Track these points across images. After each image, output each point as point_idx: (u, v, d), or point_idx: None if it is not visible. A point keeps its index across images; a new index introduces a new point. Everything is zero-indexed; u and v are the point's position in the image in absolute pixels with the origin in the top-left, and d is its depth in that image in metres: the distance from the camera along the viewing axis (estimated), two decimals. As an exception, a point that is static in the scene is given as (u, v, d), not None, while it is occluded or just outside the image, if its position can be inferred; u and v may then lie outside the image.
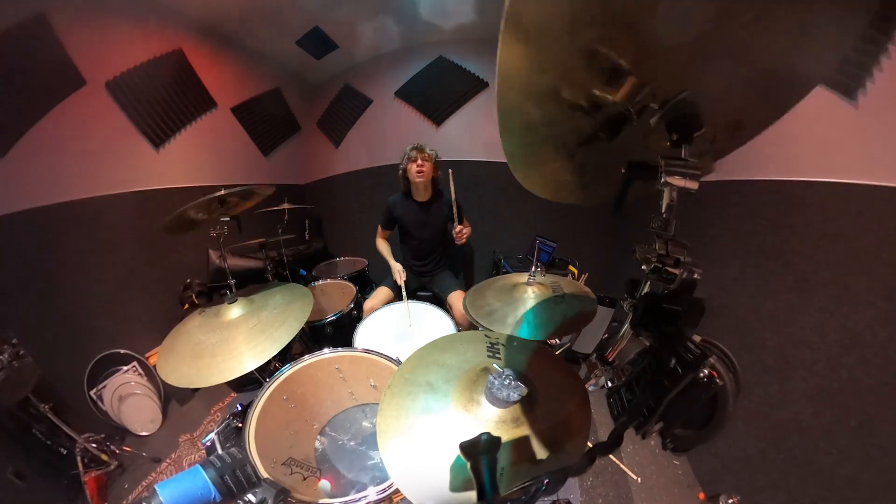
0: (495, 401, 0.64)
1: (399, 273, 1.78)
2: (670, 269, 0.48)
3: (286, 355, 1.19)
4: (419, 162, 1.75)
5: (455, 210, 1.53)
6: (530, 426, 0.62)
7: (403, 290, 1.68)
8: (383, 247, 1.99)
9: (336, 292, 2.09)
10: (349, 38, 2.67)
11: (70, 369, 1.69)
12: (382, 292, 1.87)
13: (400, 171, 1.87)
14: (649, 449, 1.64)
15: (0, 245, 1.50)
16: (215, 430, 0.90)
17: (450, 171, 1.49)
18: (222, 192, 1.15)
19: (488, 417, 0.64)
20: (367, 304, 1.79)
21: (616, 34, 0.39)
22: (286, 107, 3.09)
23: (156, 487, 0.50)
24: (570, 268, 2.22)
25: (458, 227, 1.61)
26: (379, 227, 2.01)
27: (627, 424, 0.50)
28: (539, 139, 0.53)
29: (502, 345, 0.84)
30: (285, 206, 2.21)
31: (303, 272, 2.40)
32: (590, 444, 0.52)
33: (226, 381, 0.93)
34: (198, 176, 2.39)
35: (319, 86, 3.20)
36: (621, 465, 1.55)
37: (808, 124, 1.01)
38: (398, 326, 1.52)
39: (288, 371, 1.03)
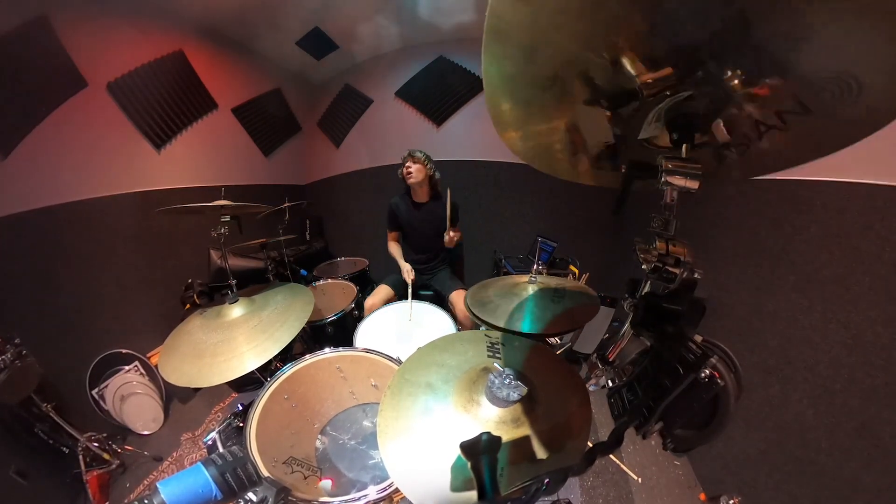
0: (495, 400, 0.64)
1: (408, 272, 1.82)
2: (671, 269, 0.48)
3: (287, 355, 1.19)
4: (407, 164, 1.86)
5: (448, 217, 1.71)
6: (531, 426, 0.62)
7: (410, 288, 1.70)
8: (395, 249, 2.03)
9: (337, 292, 2.10)
10: (349, 39, 2.68)
11: (72, 369, 1.70)
12: (383, 290, 1.88)
13: (399, 173, 1.91)
14: (650, 449, 1.64)
15: (3, 245, 1.51)
16: (216, 429, 0.91)
17: (448, 189, 1.68)
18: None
19: (488, 417, 0.64)
20: (368, 302, 1.80)
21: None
22: (287, 107, 3.09)
23: (157, 485, 0.50)
24: (571, 267, 2.22)
25: (450, 234, 1.74)
26: (387, 231, 2.05)
27: (628, 424, 0.50)
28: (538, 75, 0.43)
29: (502, 344, 0.84)
30: (286, 205, 2.21)
31: (304, 272, 2.41)
32: (590, 444, 0.52)
33: (227, 380, 0.93)
34: (199, 177, 2.40)
35: (320, 86, 3.20)
36: (622, 466, 1.55)
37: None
38: (399, 326, 1.52)
39: (289, 371, 1.03)
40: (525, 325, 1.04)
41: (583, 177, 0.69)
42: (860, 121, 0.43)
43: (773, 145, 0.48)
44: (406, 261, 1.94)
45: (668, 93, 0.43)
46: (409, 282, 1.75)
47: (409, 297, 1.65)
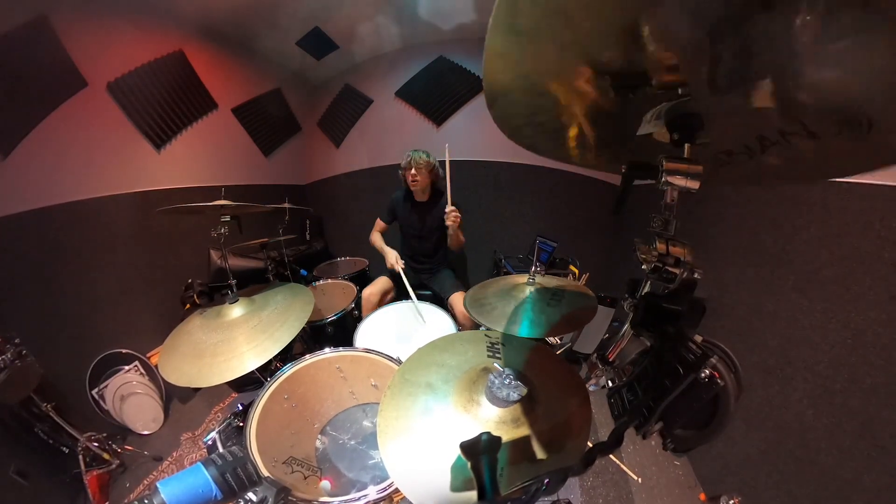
0: (495, 400, 0.64)
1: (396, 260, 1.79)
2: (671, 269, 0.48)
3: (287, 355, 1.19)
4: (413, 172, 1.81)
5: (448, 193, 1.56)
6: (530, 426, 0.62)
7: (404, 277, 1.68)
8: (377, 238, 2.03)
9: (337, 292, 2.10)
10: (349, 38, 2.68)
11: (72, 369, 1.70)
12: (382, 280, 1.90)
13: (400, 172, 1.90)
14: (650, 449, 1.64)
15: (3, 245, 1.51)
16: (216, 429, 0.91)
17: (447, 149, 1.48)
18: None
19: (488, 417, 0.64)
20: (366, 292, 1.82)
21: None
22: (287, 107, 3.09)
23: (157, 485, 0.50)
24: (571, 267, 2.22)
25: (450, 209, 1.60)
26: (378, 220, 2.06)
27: (628, 424, 0.50)
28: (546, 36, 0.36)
29: (502, 344, 0.84)
30: (286, 206, 2.21)
31: (304, 272, 2.41)
32: (590, 444, 0.52)
33: (227, 380, 0.93)
34: (199, 177, 2.40)
35: (320, 86, 3.21)
36: (622, 466, 1.55)
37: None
38: (399, 326, 1.52)
39: (289, 370, 1.03)
40: (522, 330, 1.04)
41: (585, 161, 0.67)
42: (870, 154, 0.41)
43: (780, 160, 0.47)
44: (404, 260, 1.94)
45: (679, 91, 0.42)
46: (399, 270, 1.72)
47: (413, 297, 1.64)
